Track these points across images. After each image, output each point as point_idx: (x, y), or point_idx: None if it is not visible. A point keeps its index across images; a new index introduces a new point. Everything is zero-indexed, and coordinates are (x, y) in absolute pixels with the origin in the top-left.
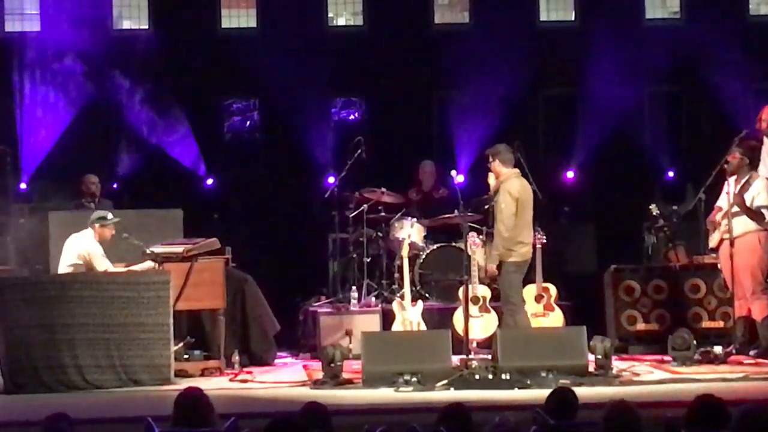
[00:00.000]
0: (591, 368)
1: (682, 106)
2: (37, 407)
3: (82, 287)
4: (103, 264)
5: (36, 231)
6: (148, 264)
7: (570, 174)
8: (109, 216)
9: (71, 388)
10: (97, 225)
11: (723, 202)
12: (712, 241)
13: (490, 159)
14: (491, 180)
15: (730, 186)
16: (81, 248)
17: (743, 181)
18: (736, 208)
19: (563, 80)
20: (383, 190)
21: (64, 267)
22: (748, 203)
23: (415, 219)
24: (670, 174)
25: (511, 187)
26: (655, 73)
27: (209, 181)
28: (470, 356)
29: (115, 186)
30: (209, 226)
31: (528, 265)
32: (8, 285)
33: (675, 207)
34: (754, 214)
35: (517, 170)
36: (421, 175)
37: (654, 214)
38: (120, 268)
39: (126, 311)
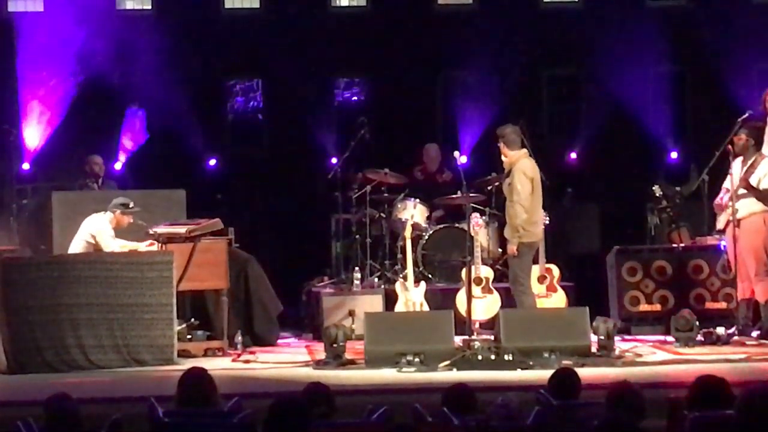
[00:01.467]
0: (594, 349)
1: (686, 86)
2: (40, 387)
3: (86, 267)
4: (109, 246)
5: (39, 211)
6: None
7: (573, 155)
8: (131, 204)
9: (74, 368)
10: (117, 211)
11: (729, 183)
12: (720, 223)
13: (499, 142)
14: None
15: (736, 167)
16: (94, 228)
17: (749, 162)
18: (741, 190)
19: (567, 60)
20: (386, 170)
21: (76, 244)
22: (754, 185)
23: (418, 199)
24: (674, 155)
25: (524, 167)
26: (659, 53)
27: (212, 162)
28: (473, 337)
29: (118, 167)
30: (212, 207)
31: (539, 245)
32: (12, 265)
33: (678, 188)
34: (762, 195)
35: (525, 150)
36: (425, 158)
37: (657, 195)
38: (130, 244)
39: (129, 291)
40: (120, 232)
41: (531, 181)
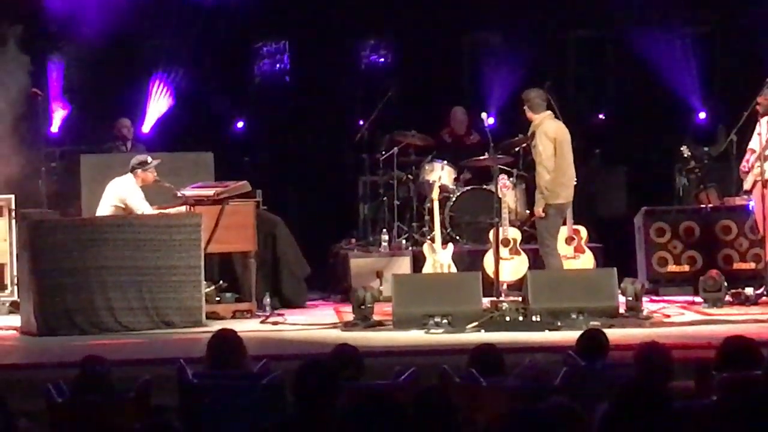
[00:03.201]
0: (621, 310)
1: (715, 46)
2: (70, 350)
3: (114, 230)
4: (141, 207)
5: (68, 174)
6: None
7: (601, 116)
8: (149, 159)
9: (104, 330)
10: (139, 170)
11: (755, 143)
12: (747, 184)
13: (524, 105)
14: None
15: (762, 127)
16: (121, 192)
17: None
18: None
19: (594, 22)
20: (414, 132)
21: (104, 210)
22: None
23: (445, 161)
24: (702, 116)
25: (547, 128)
26: (687, 13)
27: (240, 124)
28: (501, 298)
29: (146, 129)
30: (240, 170)
31: (569, 206)
32: (40, 228)
33: (706, 149)
34: None
35: (549, 112)
36: (452, 121)
37: (685, 155)
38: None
39: (158, 254)
40: (148, 195)
41: (554, 142)
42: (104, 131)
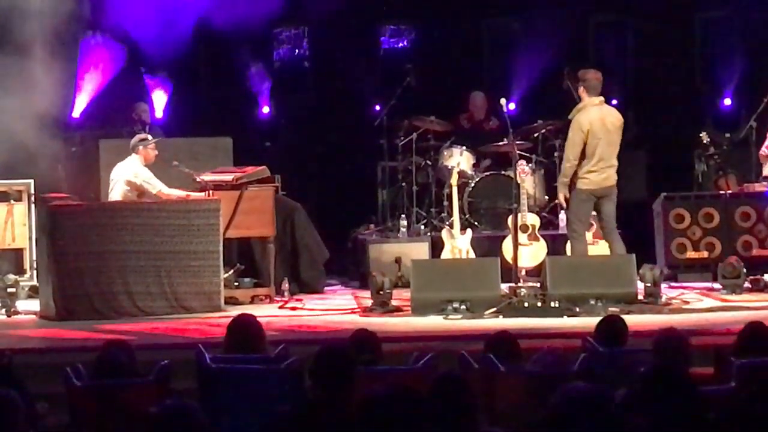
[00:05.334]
0: (640, 296)
1: (735, 31)
2: (89, 333)
3: (133, 215)
4: (156, 185)
5: (87, 159)
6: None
7: (614, 102)
8: (149, 137)
9: (123, 314)
10: (140, 147)
11: None
12: (766, 170)
13: (579, 83)
14: None
15: None
16: (129, 174)
17: None
18: None
19: (615, 6)
20: (432, 118)
21: (115, 196)
22: None
23: (464, 147)
24: (728, 102)
25: (581, 117)
26: None
27: (265, 110)
28: (519, 284)
29: (159, 115)
30: (259, 155)
31: (606, 192)
32: (60, 213)
33: (728, 135)
34: None
35: (599, 98)
36: (471, 106)
37: (705, 141)
38: (175, 191)
39: (176, 239)
40: (167, 180)
41: (585, 132)
42: (122, 116)
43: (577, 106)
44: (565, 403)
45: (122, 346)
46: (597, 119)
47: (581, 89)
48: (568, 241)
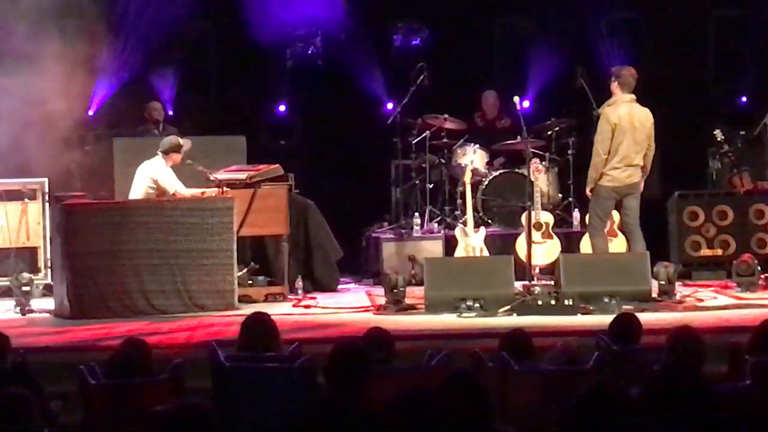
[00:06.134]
0: (654, 294)
1: (749, 29)
2: (103, 332)
3: (147, 213)
4: (174, 185)
5: (101, 158)
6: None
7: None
8: (181, 141)
9: (137, 313)
10: (171, 152)
11: None
12: None
13: (612, 78)
14: None
15: None
16: (153, 172)
17: None
18: None
19: (628, 4)
20: (446, 116)
21: (136, 193)
22: None
23: (477, 145)
24: (744, 99)
25: (610, 111)
26: None
27: (281, 108)
28: (533, 282)
29: (170, 113)
30: (273, 153)
31: (630, 189)
32: (74, 211)
33: (742, 132)
34: None
35: (630, 96)
36: (483, 104)
37: (719, 139)
38: (192, 191)
39: (190, 237)
40: (181, 178)
41: (612, 126)
42: (136, 115)
43: (608, 100)
44: (579, 402)
45: (139, 344)
46: (626, 115)
47: (614, 85)
48: (584, 237)
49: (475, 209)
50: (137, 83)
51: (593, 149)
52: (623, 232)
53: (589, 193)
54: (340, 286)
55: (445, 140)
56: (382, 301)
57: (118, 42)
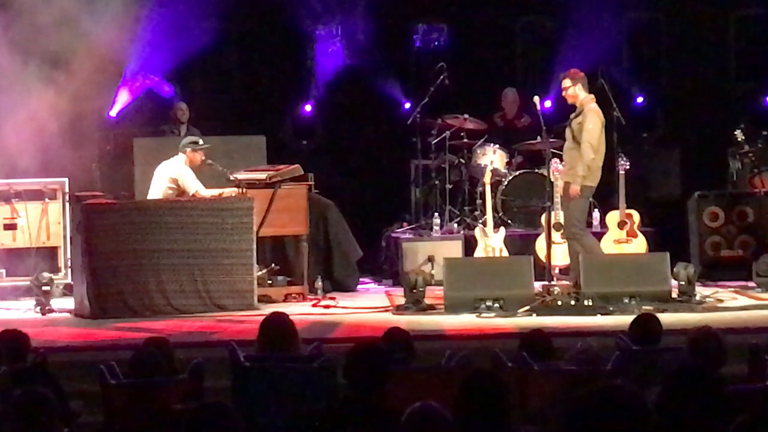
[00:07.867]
0: (674, 294)
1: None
2: (123, 332)
3: (167, 213)
4: (194, 186)
5: (121, 157)
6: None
7: (639, 98)
8: (201, 141)
9: (156, 312)
10: (188, 149)
11: None
12: None
13: (570, 83)
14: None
15: None
16: (172, 172)
17: None
18: None
19: (648, 5)
20: (466, 116)
21: (155, 193)
22: None
23: (497, 145)
24: (766, 99)
25: (598, 109)
26: None
27: (308, 108)
28: (552, 282)
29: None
30: (293, 153)
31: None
32: (94, 211)
33: (765, 132)
34: None
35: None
36: (503, 102)
37: (739, 139)
38: (212, 191)
39: (210, 237)
40: (201, 178)
41: (603, 123)
42: (159, 115)
43: (583, 99)
44: (596, 402)
45: (161, 344)
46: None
47: (578, 87)
48: (604, 237)
49: (494, 209)
50: (159, 84)
51: (587, 147)
52: (567, 238)
53: (578, 193)
54: (359, 287)
55: (464, 140)
56: (402, 301)
57: (142, 43)
